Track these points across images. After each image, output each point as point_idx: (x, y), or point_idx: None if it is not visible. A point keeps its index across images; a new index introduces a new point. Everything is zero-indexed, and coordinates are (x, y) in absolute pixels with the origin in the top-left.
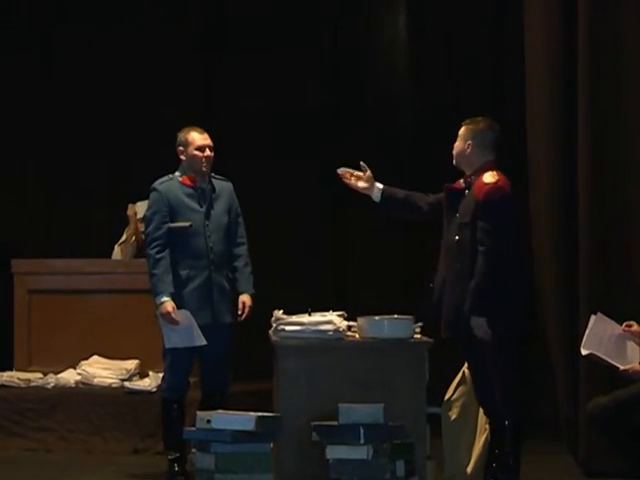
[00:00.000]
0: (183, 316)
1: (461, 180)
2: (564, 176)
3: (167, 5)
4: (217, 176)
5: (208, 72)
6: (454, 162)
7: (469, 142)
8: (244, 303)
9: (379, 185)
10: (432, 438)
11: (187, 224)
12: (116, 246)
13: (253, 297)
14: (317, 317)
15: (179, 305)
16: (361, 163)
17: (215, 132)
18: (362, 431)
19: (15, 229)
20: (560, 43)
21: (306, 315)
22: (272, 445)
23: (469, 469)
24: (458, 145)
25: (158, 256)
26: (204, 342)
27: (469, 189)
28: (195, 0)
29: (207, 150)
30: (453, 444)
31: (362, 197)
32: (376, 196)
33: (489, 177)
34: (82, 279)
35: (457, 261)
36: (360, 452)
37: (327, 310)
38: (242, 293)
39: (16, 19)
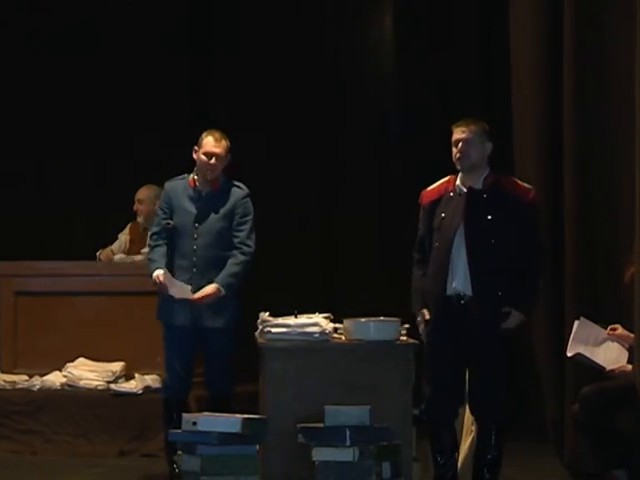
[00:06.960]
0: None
1: (458, 181)
2: (550, 177)
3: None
4: (237, 183)
5: (199, 72)
6: (468, 165)
7: (488, 143)
8: (207, 290)
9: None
10: (418, 440)
11: (165, 222)
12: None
13: (219, 291)
14: (303, 319)
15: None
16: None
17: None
18: (348, 433)
19: (1, 231)
20: (546, 43)
21: (292, 317)
22: (258, 447)
23: None
24: (476, 148)
25: (153, 244)
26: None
27: (491, 190)
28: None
29: (213, 159)
30: None
31: (350, 198)
32: None
33: (520, 181)
34: (68, 281)
35: (493, 261)
36: (346, 454)
37: (313, 312)
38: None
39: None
